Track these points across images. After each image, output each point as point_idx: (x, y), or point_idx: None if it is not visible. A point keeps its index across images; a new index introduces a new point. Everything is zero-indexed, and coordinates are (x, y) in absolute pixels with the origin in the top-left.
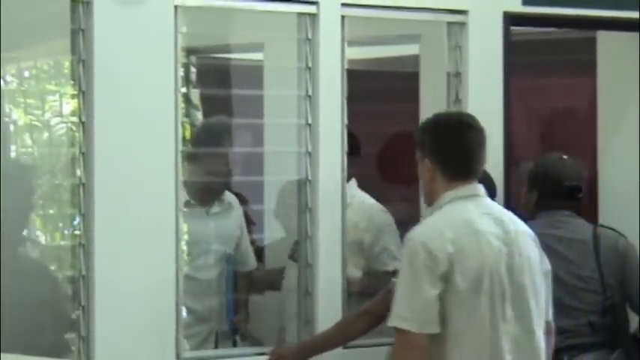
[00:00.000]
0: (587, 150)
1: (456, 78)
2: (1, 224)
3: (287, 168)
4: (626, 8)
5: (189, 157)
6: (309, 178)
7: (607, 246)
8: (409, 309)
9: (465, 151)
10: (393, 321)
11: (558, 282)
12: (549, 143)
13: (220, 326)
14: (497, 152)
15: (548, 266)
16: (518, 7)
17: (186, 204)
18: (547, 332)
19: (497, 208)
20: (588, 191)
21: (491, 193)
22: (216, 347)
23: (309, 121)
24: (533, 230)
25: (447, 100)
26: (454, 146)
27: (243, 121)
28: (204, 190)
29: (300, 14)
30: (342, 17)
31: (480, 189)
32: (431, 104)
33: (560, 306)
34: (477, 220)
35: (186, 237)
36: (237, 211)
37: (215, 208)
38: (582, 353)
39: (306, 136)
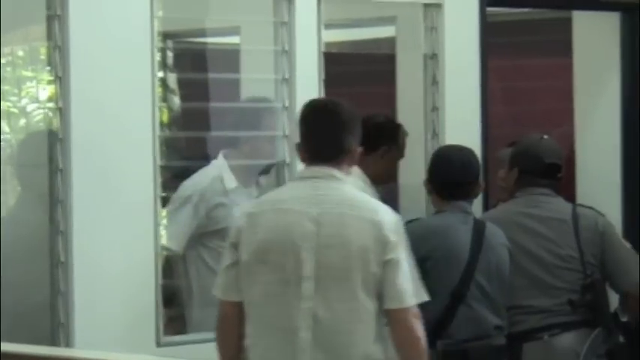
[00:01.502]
0: (565, 130)
1: (432, 60)
2: None
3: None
4: None
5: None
6: (287, 161)
7: (586, 225)
8: (219, 276)
9: (313, 135)
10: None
11: (538, 261)
12: (526, 123)
13: None
14: (475, 132)
15: (391, 255)
16: None
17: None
18: (395, 320)
19: (336, 191)
20: (566, 171)
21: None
22: None
23: (287, 105)
24: (513, 209)
25: (424, 81)
26: (304, 130)
27: (221, 105)
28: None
29: None
30: (318, 0)
31: (327, 171)
32: (408, 86)
33: (540, 285)
34: (287, 199)
35: (164, 222)
36: None
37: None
38: (563, 332)
39: (284, 119)
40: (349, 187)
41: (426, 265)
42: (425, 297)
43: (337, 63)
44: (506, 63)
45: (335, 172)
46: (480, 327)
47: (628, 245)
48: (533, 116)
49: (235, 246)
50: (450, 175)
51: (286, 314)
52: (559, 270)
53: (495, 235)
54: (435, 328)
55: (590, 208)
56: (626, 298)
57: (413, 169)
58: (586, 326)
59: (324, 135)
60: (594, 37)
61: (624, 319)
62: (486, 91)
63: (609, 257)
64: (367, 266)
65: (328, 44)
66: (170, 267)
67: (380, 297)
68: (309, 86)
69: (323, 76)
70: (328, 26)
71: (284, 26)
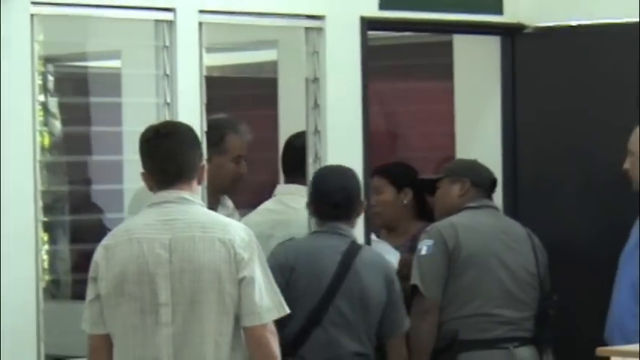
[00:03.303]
0: (446, 153)
1: (314, 83)
2: None
3: None
4: (484, 12)
5: None
6: None
7: (538, 244)
8: (85, 310)
9: (158, 159)
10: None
11: (512, 273)
12: (407, 146)
13: None
14: (357, 156)
15: (245, 272)
16: (375, 12)
17: None
18: (251, 337)
19: (186, 215)
20: None
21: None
22: None
23: None
24: (482, 219)
25: (306, 105)
26: (146, 157)
27: (102, 129)
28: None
29: (158, 21)
30: (200, 24)
31: (176, 194)
32: (290, 110)
33: (511, 297)
34: (140, 228)
35: (46, 247)
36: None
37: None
38: (524, 345)
39: None
40: (200, 208)
41: (289, 285)
42: (286, 310)
43: (219, 87)
44: (387, 86)
45: (184, 193)
46: (333, 352)
47: None
48: (414, 139)
49: (95, 280)
50: (327, 196)
51: (147, 343)
52: (526, 285)
53: (371, 262)
54: (287, 349)
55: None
56: None
57: None
58: (546, 342)
59: (167, 157)
60: (475, 60)
61: None
62: (368, 114)
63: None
64: (222, 287)
65: (210, 68)
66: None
67: (237, 315)
68: (190, 110)
69: (205, 100)
70: (210, 50)
71: (165, 50)
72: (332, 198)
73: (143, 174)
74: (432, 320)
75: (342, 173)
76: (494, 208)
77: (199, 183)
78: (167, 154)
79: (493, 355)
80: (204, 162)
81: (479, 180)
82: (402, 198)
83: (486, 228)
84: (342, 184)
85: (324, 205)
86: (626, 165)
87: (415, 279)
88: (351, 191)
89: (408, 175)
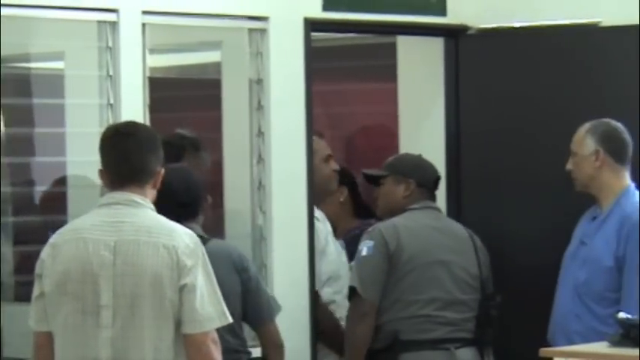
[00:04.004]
0: (390, 154)
1: (258, 84)
2: None
3: (90, 176)
4: (427, 14)
5: None
6: None
7: (481, 245)
8: (31, 307)
9: (113, 158)
10: None
11: (452, 275)
12: (352, 149)
13: None
14: (301, 157)
15: (187, 279)
16: (318, 13)
17: None
18: (191, 344)
19: (135, 218)
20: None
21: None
22: None
23: None
24: (422, 221)
25: (249, 106)
26: (104, 155)
27: (45, 131)
28: None
29: (101, 22)
30: (143, 25)
31: (127, 197)
32: (233, 111)
33: (452, 298)
34: (88, 228)
35: None
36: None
37: None
38: (465, 346)
39: None
40: (149, 213)
41: None
42: (229, 319)
43: (163, 88)
44: (331, 88)
45: (135, 197)
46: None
47: None
48: (358, 140)
49: (40, 277)
50: (172, 196)
51: (87, 344)
52: (467, 286)
53: (217, 253)
54: None
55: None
56: None
57: (238, 195)
58: (486, 344)
59: (126, 158)
60: (419, 62)
61: None
62: (311, 115)
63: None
64: (163, 293)
65: (153, 69)
66: None
67: (179, 322)
68: (134, 111)
69: (148, 102)
70: (153, 51)
71: (108, 51)
72: (177, 197)
73: (100, 171)
74: (369, 322)
75: (184, 173)
76: (437, 209)
77: (154, 187)
78: (122, 155)
79: (433, 356)
80: (162, 168)
81: (424, 180)
82: (338, 196)
83: (428, 230)
84: (187, 183)
85: (169, 204)
86: (569, 166)
87: (354, 281)
88: (195, 190)
89: (342, 174)
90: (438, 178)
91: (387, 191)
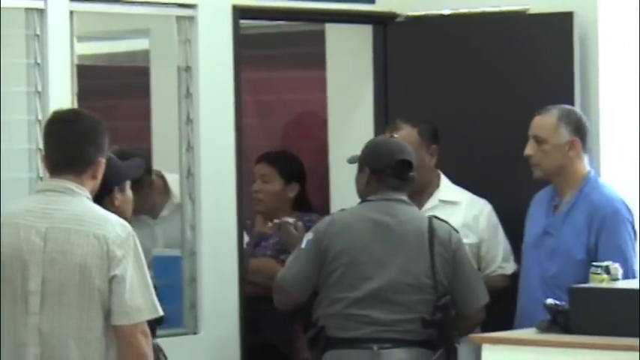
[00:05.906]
0: (319, 143)
1: (186, 72)
2: None
3: (18, 166)
4: (356, 1)
5: None
6: (41, 175)
7: (441, 240)
8: None
9: (51, 145)
10: None
11: (385, 273)
12: (281, 136)
13: None
14: (229, 145)
15: (117, 270)
16: (247, 1)
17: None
18: (120, 336)
19: (68, 205)
20: (321, 182)
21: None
22: None
23: (40, 118)
24: (365, 213)
25: (178, 94)
26: (45, 141)
27: None
28: None
29: (28, 10)
30: (71, 12)
31: (63, 184)
32: (162, 99)
33: (381, 297)
34: (22, 214)
35: None
36: None
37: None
38: (394, 347)
39: (37, 132)
40: (83, 201)
41: None
42: (159, 312)
43: (91, 76)
44: (260, 75)
45: (71, 184)
46: None
47: (474, 266)
48: (287, 128)
49: None
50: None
51: (15, 329)
52: (406, 287)
53: None
54: None
55: (445, 221)
56: (460, 319)
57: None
58: (427, 347)
59: (64, 145)
60: (347, 49)
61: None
62: (240, 103)
63: (459, 279)
64: (91, 282)
65: (82, 57)
66: None
67: (108, 313)
68: (62, 99)
69: (76, 89)
70: (81, 39)
71: (36, 38)
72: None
73: (42, 157)
74: (282, 300)
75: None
76: (397, 200)
77: (94, 177)
78: (60, 141)
79: (355, 355)
80: (103, 158)
81: (377, 166)
82: (289, 192)
83: (367, 225)
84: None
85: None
86: (530, 151)
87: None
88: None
89: (298, 170)
90: (397, 164)
91: (355, 181)
